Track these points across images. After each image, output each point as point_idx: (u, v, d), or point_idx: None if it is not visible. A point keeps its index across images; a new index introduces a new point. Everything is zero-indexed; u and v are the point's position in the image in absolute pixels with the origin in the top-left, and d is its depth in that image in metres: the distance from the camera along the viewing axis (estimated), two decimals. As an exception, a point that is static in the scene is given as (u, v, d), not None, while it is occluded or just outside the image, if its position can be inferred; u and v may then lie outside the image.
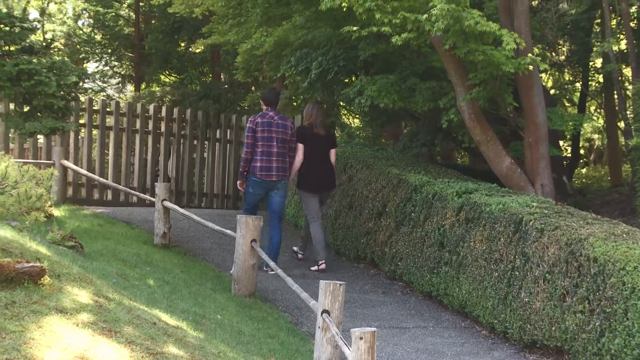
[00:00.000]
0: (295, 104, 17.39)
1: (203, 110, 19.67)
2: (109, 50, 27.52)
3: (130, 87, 28.63)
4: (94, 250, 10.58)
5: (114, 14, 27.06)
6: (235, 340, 7.94)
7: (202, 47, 22.53)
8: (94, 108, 18.19)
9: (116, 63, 28.21)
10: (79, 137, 18.12)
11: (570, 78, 21.01)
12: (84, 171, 16.29)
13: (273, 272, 10.86)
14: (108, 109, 18.22)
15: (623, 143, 20.20)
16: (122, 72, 28.34)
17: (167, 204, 12.59)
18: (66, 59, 16.05)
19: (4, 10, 12.26)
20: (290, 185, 12.50)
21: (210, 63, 25.81)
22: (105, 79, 29.14)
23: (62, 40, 28.21)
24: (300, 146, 12.36)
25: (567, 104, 22.23)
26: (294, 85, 16.85)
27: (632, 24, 13.44)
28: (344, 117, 25.61)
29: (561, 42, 17.50)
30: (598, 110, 23.23)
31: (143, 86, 26.35)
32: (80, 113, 17.77)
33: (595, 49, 15.92)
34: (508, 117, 12.71)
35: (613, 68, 13.88)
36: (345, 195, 13.62)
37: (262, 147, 11.89)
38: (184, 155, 19.04)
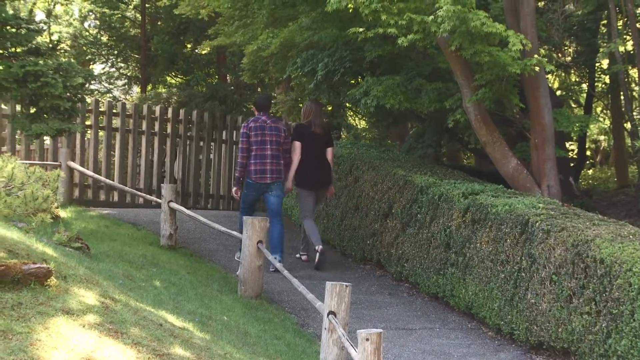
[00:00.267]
0: (301, 105, 17.39)
1: (209, 111, 19.67)
2: (115, 52, 27.55)
3: (136, 89, 28.67)
4: (101, 252, 10.59)
5: (120, 15, 27.09)
6: (241, 342, 7.95)
7: (208, 49, 22.53)
8: (100, 109, 18.19)
9: (122, 64, 28.24)
10: (85, 138, 18.13)
11: (577, 79, 20.97)
12: (90, 172, 16.30)
13: (278, 265, 10.81)
14: (114, 111, 18.22)
15: (629, 144, 20.20)
16: (129, 74, 28.37)
17: (174, 205, 12.59)
18: (72, 60, 16.03)
19: (11, 11, 12.24)
20: (290, 185, 12.56)
21: (217, 64, 25.83)
22: (112, 81, 29.19)
23: (69, 42, 28.26)
24: (298, 144, 12.53)
25: (573, 105, 22.20)
26: (300, 87, 16.86)
27: (638, 25, 13.39)
28: (350, 118, 25.61)
29: (567, 43, 17.47)
30: (604, 112, 23.20)
31: (149, 87, 26.37)
32: (87, 114, 17.77)
33: (601, 49, 15.89)
34: (514, 118, 12.70)
35: (619, 69, 13.86)
36: (352, 196, 13.61)
37: (255, 151, 12.09)
38: (190, 156, 19.03)
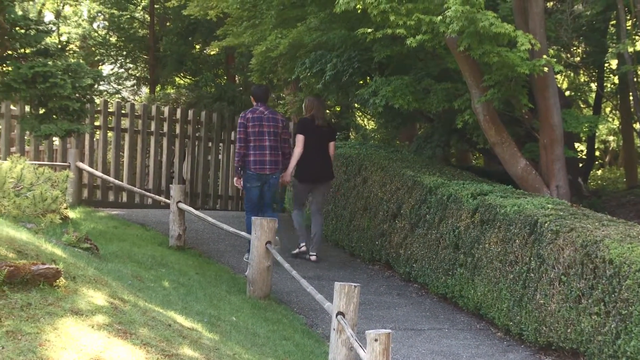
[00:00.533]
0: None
1: (218, 112, 19.69)
2: (124, 53, 27.60)
3: (145, 89, 28.71)
4: (109, 252, 10.61)
5: (129, 16, 27.13)
6: (250, 342, 7.95)
7: (217, 49, 22.57)
8: (109, 110, 18.23)
9: (131, 65, 28.28)
10: (94, 139, 18.17)
11: (586, 79, 20.94)
12: (99, 173, 16.33)
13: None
14: (123, 111, 18.26)
15: (639, 145, 20.16)
16: (137, 74, 28.41)
17: (182, 205, 12.60)
18: (81, 61, 16.04)
19: (20, 12, 12.25)
20: (288, 178, 12.70)
21: (225, 65, 25.85)
22: (120, 81, 29.23)
23: (78, 43, 28.32)
24: (301, 137, 12.70)
25: (582, 106, 22.16)
26: (308, 87, 16.84)
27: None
28: (358, 118, 25.61)
29: (576, 43, 17.43)
30: (613, 112, 23.15)
31: (158, 88, 26.40)
32: (96, 115, 17.80)
33: (610, 50, 15.86)
34: (523, 119, 12.68)
35: (628, 69, 13.82)
36: (360, 197, 13.61)
37: (254, 142, 12.15)
38: (198, 157, 19.06)
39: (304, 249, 12.99)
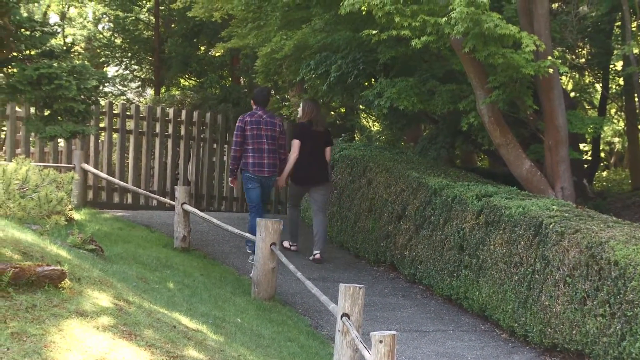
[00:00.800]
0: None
1: (223, 113, 19.69)
2: (129, 54, 27.61)
3: (150, 91, 28.74)
4: (114, 254, 10.61)
5: (133, 18, 27.15)
6: (255, 344, 7.95)
7: (222, 51, 22.56)
8: (114, 112, 18.24)
9: (136, 67, 28.30)
10: (99, 140, 18.19)
11: (591, 81, 20.93)
12: (104, 175, 16.34)
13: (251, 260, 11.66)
14: (128, 113, 18.26)
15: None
16: (142, 76, 28.44)
17: (187, 207, 12.61)
18: (86, 62, 16.08)
19: (25, 14, 12.28)
20: (283, 182, 12.97)
21: (230, 67, 25.86)
22: (125, 83, 29.25)
23: (83, 44, 28.35)
24: (297, 142, 12.85)
25: (587, 107, 22.15)
26: (313, 89, 16.85)
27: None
28: (363, 120, 25.61)
29: (581, 44, 17.42)
30: (618, 113, 23.13)
31: (163, 90, 26.41)
32: (101, 117, 17.82)
33: (615, 51, 15.85)
34: (528, 120, 12.68)
35: (633, 71, 13.81)
36: (365, 198, 13.61)
37: (252, 145, 12.37)
38: (203, 158, 19.07)
39: (294, 248, 13.26)
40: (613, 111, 23.28)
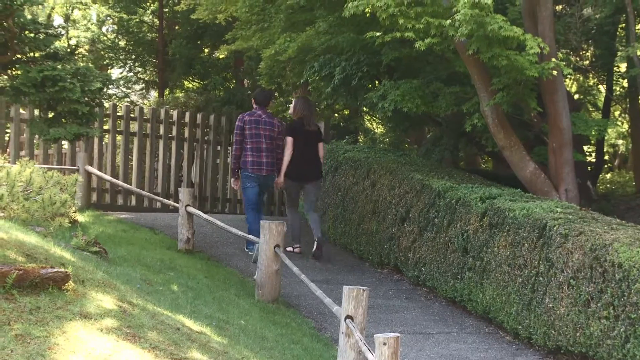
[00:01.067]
0: (318, 109, 17.38)
1: (226, 115, 19.69)
2: (133, 56, 27.61)
3: (154, 93, 28.71)
4: (118, 256, 10.62)
5: (137, 20, 27.15)
6: (258, 346, 7.95)
7: (226, 53, 22.57)
8: (117, 114, 18.26)
9: (140, 69, 28.28)
10: (103, 142, 18.20)
11: (595, 83, 20.91)
12: (107, 177, 16.34)
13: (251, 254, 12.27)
14: (132, 115, 18.28)
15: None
16: (146, 78, 28.42)
17: (191, 209, 12.61)
18: (90, 65, 16.10)
19: (29, 16, 12.29)
20: (281, 180, 13.06)
21: (234, 69, 25.84)
22: (129, 85, 29.23)
23: (87, 47, 28.33)
24: (290, 140, 13.02)
25: (591, 109, 22.14)
26: (317, 91, 16.85)
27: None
28: (367, 122, 25.61)
29: (585, 46, 17.42)
30: (622, 115, 23.13)
31: (167, 92, 26.41)
32: (104, 119, 17.82)
33: (619, 53, 15.84)
34: (532, 122, 12.68)
35: (637, 73, 13.79)
36: (369, 200, 13.61)
37: (251, 144, 12.74)
38: (207, 160, 19.07)
39: (297, 250, 13.22)
40: (617, 113, 23.27)
